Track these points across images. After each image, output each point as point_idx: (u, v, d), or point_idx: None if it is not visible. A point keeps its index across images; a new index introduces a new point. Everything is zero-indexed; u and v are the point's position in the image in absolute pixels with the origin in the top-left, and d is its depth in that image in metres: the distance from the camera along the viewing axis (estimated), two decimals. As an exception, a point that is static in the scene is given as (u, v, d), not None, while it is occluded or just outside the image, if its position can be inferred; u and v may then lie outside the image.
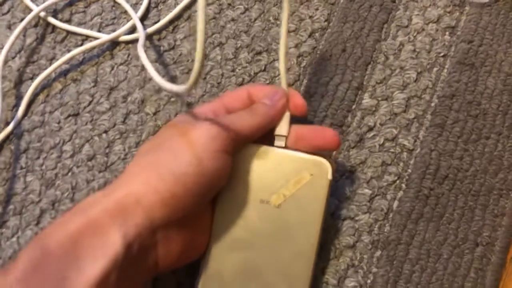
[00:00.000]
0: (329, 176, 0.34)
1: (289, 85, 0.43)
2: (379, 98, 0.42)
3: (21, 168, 0.41)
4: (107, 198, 0.29)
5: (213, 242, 0.34)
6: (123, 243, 0.27)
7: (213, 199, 0.34)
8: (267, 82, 0.43)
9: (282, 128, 0.34)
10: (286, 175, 0.34)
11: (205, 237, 0.34)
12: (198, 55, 0.27)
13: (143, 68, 0.44)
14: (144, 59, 0.38)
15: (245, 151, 0.34)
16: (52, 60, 0.45)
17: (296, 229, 0.34)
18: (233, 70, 0.44)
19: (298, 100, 0.35)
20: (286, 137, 0.34)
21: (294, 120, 0.35)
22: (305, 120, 0.41)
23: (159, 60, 0.44)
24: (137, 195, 0.29)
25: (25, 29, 0.45)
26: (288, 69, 0.43)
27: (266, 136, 0.35)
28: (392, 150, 0.41)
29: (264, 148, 0.34)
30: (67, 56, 0.44)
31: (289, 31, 0.45)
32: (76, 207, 0.29)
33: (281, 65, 0.35)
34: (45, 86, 0.44)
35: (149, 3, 0.46)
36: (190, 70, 0.44)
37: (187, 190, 0.29)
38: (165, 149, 0.31)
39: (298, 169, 0.34)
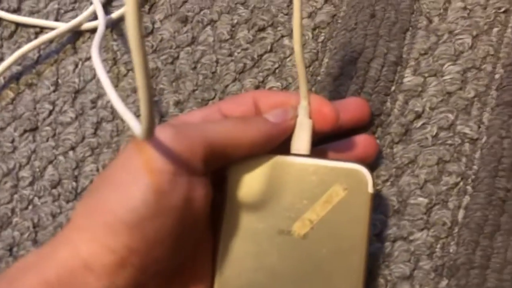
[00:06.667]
0: (370, 189, 0.26)
1: (306, 67, 0.33)
2: (426, 74, 0.32)
3: (-32, 204, 0.32)
4: (46, 262, 0.21)
5: None
6: None
7: (213, 233, 0.26)
8: (276, 65, 0.33)
9: (302, 142, 0.27)
10: (312, 193, 0.26)
11: (204, 286, 0.26)
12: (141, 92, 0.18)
13: (114, 61, 0.35)
14: (99, 69, 0.28)
15: (250, 164, 0.26)
16: (-1, 61, 0.35)
17: (332, 265, 0.26)
18: (230, 54, 0.34)
19: (326, 109, 0.26)
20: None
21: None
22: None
23: (135, 49, 0.35)
24: (86, 259, 0.21)
25: (-38, 25, 0.36)
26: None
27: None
28: (449, 142, 0.31)
29: (277, 158, 0.26)
30: (17, 54, 0.34)
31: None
32: (3, 276, 0.21)
33: (298, 58, 0.26)
34: (-7, 95, 0.35)
35: (117, -22, 0.36)
36: (175, 59, 0.34)
37: (150, 240, 0.21)
38: (113, 184, 0.22)
39: (327, 183, 0.26)
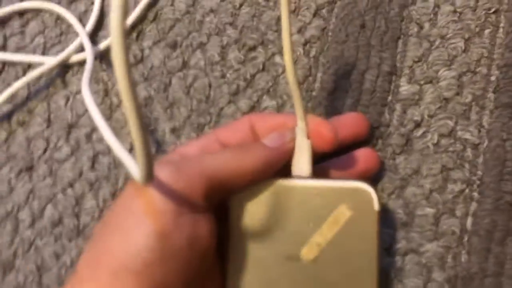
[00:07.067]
0: (376, 207, 0.25)
1: (300, 83, 0.32)
2: (421, 82, 0.32)
3: (-32, 251, 0.31)
4: None
5: None
6: None
7: (221, 267, 0.25)
8: (269, 84, 0.33)
9: (302, 164, 0.26)
10: (317, 215, 0.25)
11: None
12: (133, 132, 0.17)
13: (106, 92, 0.34)
14: (91, 106, 0.27)
15: (252, 192, 0.25)
16: (-11, 102, 0.34)
17: (343, 287, 0.25)
18: (222, 76, 0.33)
19: (323, 129, 0.26)
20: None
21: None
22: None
23: (126, 79, 0.34)
24: None
25: None
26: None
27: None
28: (451, 148, 0.30)
29: (279, 183, 0.25)
30: (8, 92, 0.34)
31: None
32: None
33: (291, 79, 0.26)
34: (-15, 137, 0.34)
35: (102, 8, 0.36)
36: (167, 86, 0.34)
37: (159, 283, 0.21)
38: (114, 230, 0.21)
39: (332, 203, 0.25)
